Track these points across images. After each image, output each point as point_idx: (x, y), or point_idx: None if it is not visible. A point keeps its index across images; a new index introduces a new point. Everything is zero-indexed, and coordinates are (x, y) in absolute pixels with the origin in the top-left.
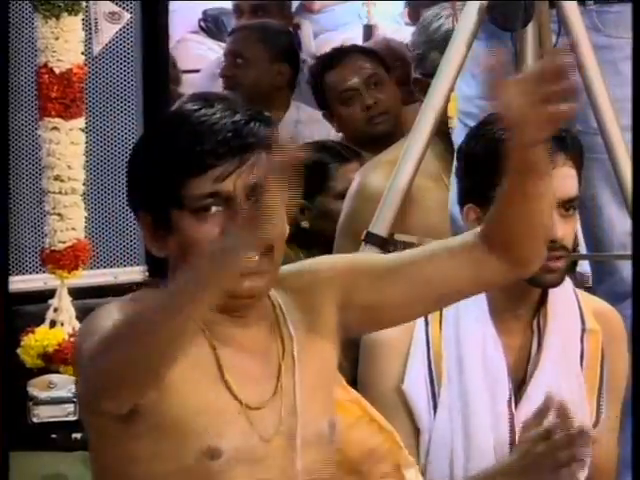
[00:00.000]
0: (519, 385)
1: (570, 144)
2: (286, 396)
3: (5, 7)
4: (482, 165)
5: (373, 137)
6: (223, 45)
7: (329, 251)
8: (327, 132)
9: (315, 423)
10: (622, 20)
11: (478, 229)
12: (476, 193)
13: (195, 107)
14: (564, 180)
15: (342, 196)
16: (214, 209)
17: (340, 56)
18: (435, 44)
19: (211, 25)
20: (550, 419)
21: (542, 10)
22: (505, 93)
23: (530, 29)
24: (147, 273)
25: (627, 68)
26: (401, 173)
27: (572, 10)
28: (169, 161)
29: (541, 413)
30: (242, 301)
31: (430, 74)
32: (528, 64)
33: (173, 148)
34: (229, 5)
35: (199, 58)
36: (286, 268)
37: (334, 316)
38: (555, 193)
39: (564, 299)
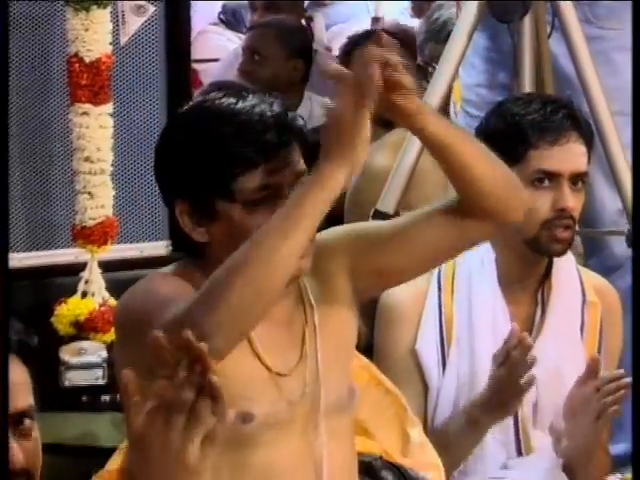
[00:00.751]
0: None
1: (583, 125)
2: (310, 363)
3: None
4: (494, 138)
5: (385, 117)
6: (241, 36)
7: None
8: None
9: (336, 389)
10: (613, 13)
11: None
12: None
13: (232, 100)
14: (575, 156)
15: None
16: (265, 202)
17: (366, 37)
18: (432, 34)
19: (230, 17)
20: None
21: (538, 4)
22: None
23: (527, 21)
24: (171, 247)
25: (617, 57)
26: (407, 154)
27: (566, 3)
28: (218, 157)
29: (506, 343)
30: (289, 282)
31: (428, 62)
32: (525, 54)
33: (222, 144)
34: None
35: (218, 48)
36: None
37: (348, 283)
38: (567, 167)
39: (567, 273)
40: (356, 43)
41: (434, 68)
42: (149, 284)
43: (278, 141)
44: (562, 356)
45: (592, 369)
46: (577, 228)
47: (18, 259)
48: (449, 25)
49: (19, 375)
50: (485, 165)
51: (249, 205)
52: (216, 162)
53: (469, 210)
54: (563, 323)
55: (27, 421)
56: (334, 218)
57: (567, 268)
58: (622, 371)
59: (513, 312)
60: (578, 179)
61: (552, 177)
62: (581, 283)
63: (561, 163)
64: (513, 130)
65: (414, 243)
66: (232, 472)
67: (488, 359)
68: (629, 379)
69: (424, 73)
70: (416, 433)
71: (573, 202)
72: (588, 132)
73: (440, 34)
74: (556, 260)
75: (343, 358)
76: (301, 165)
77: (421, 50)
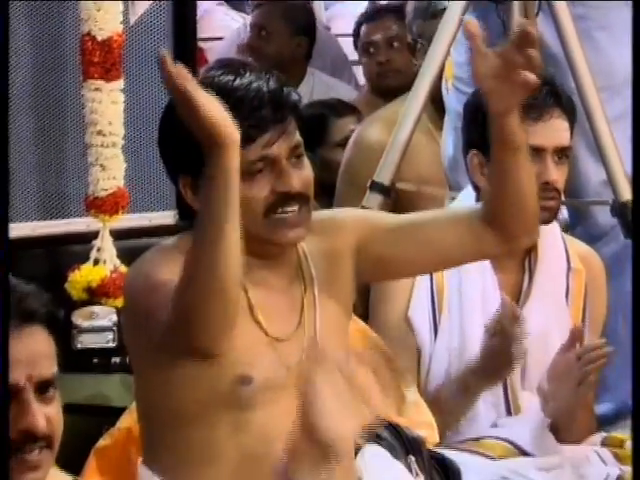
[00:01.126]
0: None
1: (565, 101)
2: (308, 329)
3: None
4: (482, 115)
5: (382, 89)
6: (244, 16)
7: (331, 197)
8: (337, 95)
9: (332, 354)
10: None
11: (479, 205)
12: (479, 141)
13: (230, 77)
14: (558, 132)
15: (339, 146)
16: (261, 171)
17: (375, 13)
18: (419, 12)
19: None
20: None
21: None
22: (482, 64)
23: (515, 1)
24: (177, 216)
25: (599, 35)
26: (403, 128)
27: None
28: None
29: (498, 314)
30: (282, 249)
31: (416, 39)
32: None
33: None
34: None
35: (223, 27)
36: (314, 215)
37: (351, 261)
38: (550, 142)
39: (552, 242)
40: (360, 23)
41: (422, 44)
42: (150, 266)
43: (273, 116)
44: (548, 321)
45: (575, 337)
46: (562, 198)
47: (32, 228)
48: (434, 3)
49: (46, 346)
50: (531, 184)
51: (246, 177)
52: None
53: (490, 226)
54: (549, 290)
55: (51, 389)
56: (327, 187)
57: (552, 237)
58: (603, 340)
59: (501, 280)
60: (561, 153)
61: (536, 152)
62: (566, 251)
63: (544, 138)
64: None
65: (419, 241)
66: (231, 431)
67: (477, 325)
68: (610, 348)
69: (413, 49)
70: (411, 394)
71: (556, 175)
72: (570, 107)
73: (426, 12)
74: (542, 230)
75: (340, 327)
76: (297, 138)
77: (409, 28)
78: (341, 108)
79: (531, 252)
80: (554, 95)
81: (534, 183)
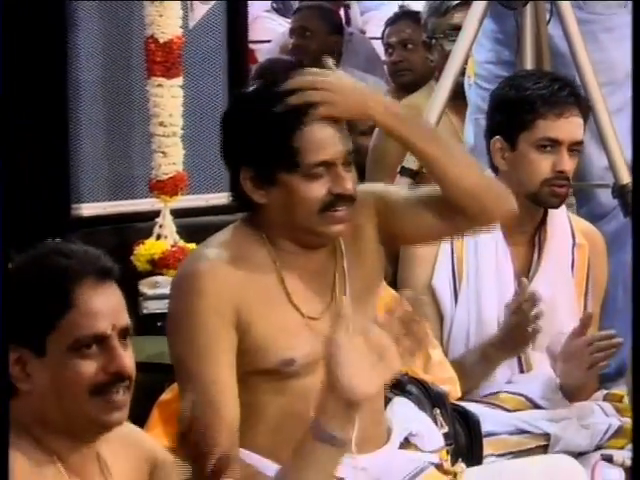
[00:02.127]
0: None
1: (582, 101)
2: (339, 305)
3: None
4: (508, 106)
5: (398, 85)
6: (289, 21)
7: (361, 180)
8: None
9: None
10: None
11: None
12: (502, 127)
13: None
14: (575, 128)
15: (364, 134)
16: (322, 174)
17: (395, 18)
18: (432, 11)
19: (280, 5)
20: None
21: None
22: None
23: (529, 8)
24: (231, 198)
25: (603, 37)
26: (429, 118)
27: None
28: (287, 134)
29: (518, 296)
30: (327, 241)
31: (431, 36)
32: (527, 35)
33: (287, 123)
34: None
35: (271, 31)
36: None
37: (374, 232)
38: (568, 136)
39: (559, 220)
40: (387, 25)
41: (436, 40)
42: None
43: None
44: (555, 290)
45: (585, 323)
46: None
47: (103, 207)
48: (446, 2)
49: (121, 298)
50: (460, 170)
51: (307, 178)
52: (280, 139)
53: (449, 206)
54: (556, 262)
55: (127, 337)
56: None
57: (559, 216)
58: (613, 331)
59: (513, 253)
60: (575, 147)
61: (554, 144)
62: (571, 228)
63: (563, 133)
64: (524, 101)
65: (417, 220)
66: (273, 396)
67: (492, 293)
68: (620, 339)
69: (428, 46)
70: (436, 354)
71: (569, 166)
72: (585, 106)
73: (439, 9)
74: (550, 210)
75: (369, 298)
76: (350, 144)
77: (425, 26)
78: None
79: (540, 228)
80: (574, 95)
81: (477, 172)
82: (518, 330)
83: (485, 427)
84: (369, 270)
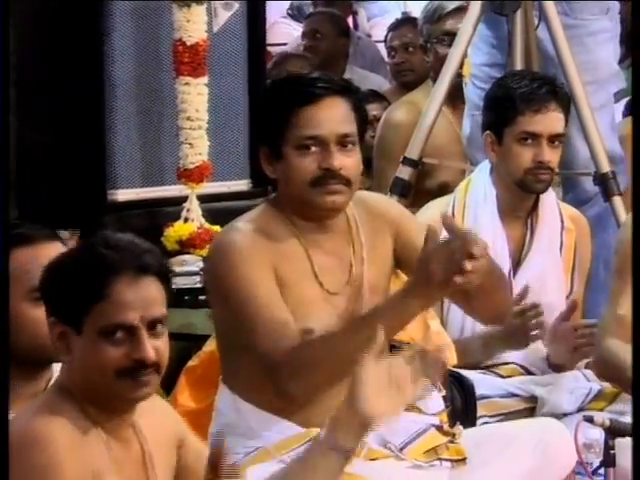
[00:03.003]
0: (516, 264)
1: (563, 97)
2: (356, 284)
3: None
4: (495, 104)
5: (400, 83)
6: (302, 27)
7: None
8: (371, 86)
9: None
10: (584, 7)
11: None
12: (491, 124)
13: (295, 77)
14: (553, 122)
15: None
16: (313, 149)
17: (397, 24)
18: (427, 18)
19: (295, 12)
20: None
21: (527, 1)
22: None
23: (519, 14)
24: (250, 185)
25: (588, 40)
26: (428, 114)
27: (549, 2)
28: (283, 114)
29: (521, 296)
30: (326, 213)
31: (426, 40)
32: (517, 39)
33: (283, 107)
34: None
35: (286, 35)
36: (367, 194)
37: (390, 240)
38: (546, 130)
39: (549, 206)
40: (390, 30)
41: (431, 44)
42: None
43: (321, 101)
44: (546, 268)
45: (571, 308)
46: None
47: (136, 193)
48: (439, 10)
49: (157, 292)
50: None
51: (301, 149)
52: (282, 117)
53: None
54: (547, 244)
55: (159, 326)
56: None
57: (549, 203)
58: (596, 320)
59: (509, 234)
60: (555, 139)
61: (534, 137)
62: (560, 214)
63: (541, 127)
64: (507, 100)
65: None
66: None
67: None
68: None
69: (424, 50)
70: (434, 324)
71: (549, 156)
72: (566, 101)
73: (432, 17)
74: (542, 196)
75: (383, 284)
76: (349, 128)
77: (420, 32)
78: (367, 97)
79: (532, 214)
80: (552, 92)
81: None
82: (520, 330)
83: (479, 391)
84: (384, 262)
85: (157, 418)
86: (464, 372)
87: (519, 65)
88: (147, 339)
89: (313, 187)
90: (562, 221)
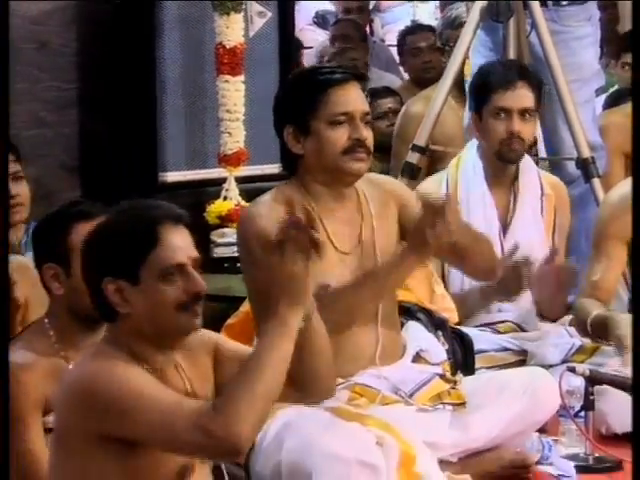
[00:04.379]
0: (504, 227)
1: (532, 77)
2: (365, 246)
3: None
4: (475, 89)
5: (423, 80)
6: (327, 33)
7: (387, 151)
8: (387, 83)
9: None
10: (571, 14)
11: None
12: (475, 106)
13: (315, 67)
14: (522, 97)
15: (379, 118)
16: (343, 123)
17: (416, 28)
18: (447, 25)
19: (320, 20)
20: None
21: (519, 9)
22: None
23: (512, 22)
24: (281, 168)
25: (574, 44)
26: (434, 107)
27: (537, 8)
28: (312, 93)
29: (511, 251)
30: (352, 178)
31: (444, 44)
32: (510, 43)
33: (314, 89)
34: (331, 6)
35: (312, 40)
36: (376, 175)
37: (396, 215)
38: (515, 105)
39: (529, 175)
40: (405, 34)
41: (450, 47)
42: (249, 213)
43: (343, 79)
44: (529, 229)
45: (553, 254)
46: (545, 156)
47: (183, 175)
48: (458, 18)
49: (190, 238)
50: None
51: (332, 125)
52: (314, 98)
53: None
54: (529, 208)
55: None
56: (386, 145)
57: (529, 172)
58: (575, 264)
59: (496, 201)
60: (525, 112)
61: (506, 112)
62: (540, 181)
63: (511, 102)
64: (484, 83)
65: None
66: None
67: (482, 230)
68: (576, 270)
69: (442, 52)
70: (439, 289)
71: (519, 127)
72: (536, 81)
73: (453, 24)
74: (522, 167)
75: (391, 247)
76: (367, 106)
77: (440, 36)
78: (382, 92)
79: (515, 182)
80: (520, 73)
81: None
82: (514, 282)
83: (478, 346)
84: (391, 229)
85: (194, 352)
86: (465, 329)
87: None
88: (197, 275)
89: (344, 155)
90: (542, 188)
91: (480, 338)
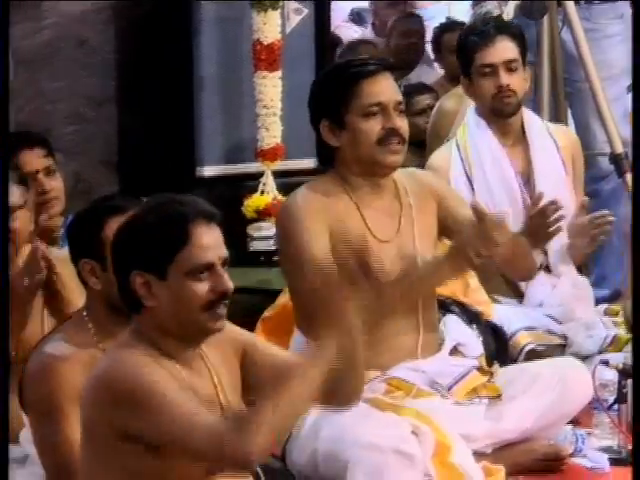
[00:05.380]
0: (526, 179)
1: (512, 30)
2: (404, 235)
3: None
4: (461, 51)
5: (450, 77)
6: (362, 29)
7: (422, 145)
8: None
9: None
10: (602, 12)
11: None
12: (463, 70)
13: (346, 60)
14: (503, 50)
15: (417, 114)
16: (376, 114)
17: (451, 25)
18: (478, 20)
19: (355, 17)
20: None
21: (552, 6)
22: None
23: (546, 19)
24: (317, 162)
25: (604, 42)
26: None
27: (571, 6)
28: (352, 84)
29: (536, 200)
30: (388, 170)
31: None
32: (544, 40)
33: (346, 82)
34: (366, 4)
35: (348, 37)
36: (416, 170)
37: (435, 208)
38: (498, 58)
39: (537, 130)
40: (443, 31)
41: None
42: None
43: (374, 70)
44: (551, 181)
45: (582, 206)
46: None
47: (220, 170)
48: (489, 13)
49: (221, 235)
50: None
51: (366, 116)
52: (346, 91)
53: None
54: (546, 160)
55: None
56: (424, 141)
57: (536, 128)
58: (607, 212)
59: (508, 152)
60: (510, 64)
61: (491, 67)
62: (550, 134)
63: (494, 57)
64: (465, 45)
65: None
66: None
67: (496, 184)
68: (613, 218)
69: None
70: (473, 282)
71: (507, 79)
72: (517, 33)
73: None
74: (526, 120)
75: (431, 240)
76: (399, 95)
77: None
78: (420, 88)
79: (523, 136)
80: (497, 27)
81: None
82: (542, 228)
83: (527, 323)
84: (430, 222)
85: (221, 346)
86: (511, 305)
87: (546, 62)
88: (224, 274)
89: (378, 145)
90: (555, 140)
91: (529, 316)
